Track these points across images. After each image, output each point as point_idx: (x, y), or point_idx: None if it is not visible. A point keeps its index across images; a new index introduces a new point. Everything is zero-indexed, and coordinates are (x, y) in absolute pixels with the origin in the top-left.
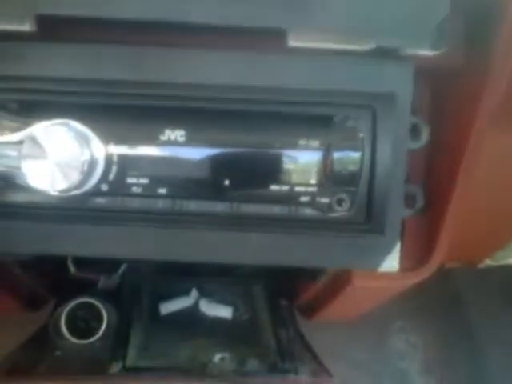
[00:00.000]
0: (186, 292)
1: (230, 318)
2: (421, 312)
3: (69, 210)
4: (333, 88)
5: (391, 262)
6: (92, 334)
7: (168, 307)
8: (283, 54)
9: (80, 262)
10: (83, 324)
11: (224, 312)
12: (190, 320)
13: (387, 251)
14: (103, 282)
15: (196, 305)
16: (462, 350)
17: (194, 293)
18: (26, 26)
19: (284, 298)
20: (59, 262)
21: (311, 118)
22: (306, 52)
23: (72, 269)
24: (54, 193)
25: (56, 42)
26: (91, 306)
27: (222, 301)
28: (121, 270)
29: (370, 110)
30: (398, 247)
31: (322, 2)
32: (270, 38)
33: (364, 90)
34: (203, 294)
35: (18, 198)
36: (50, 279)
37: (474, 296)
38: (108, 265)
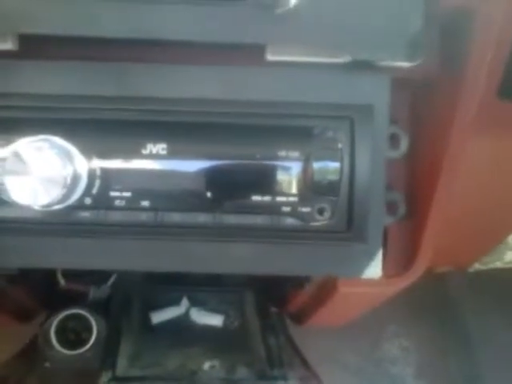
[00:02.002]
0: (176, 301)
1: (221, 325)
2: (413, 316)
3: (53, 224)
4: (311, 100)
5: (374, 269)
6: (82, 345)
7: (159, 316)
8: (261, 67)
9: (69, 273)
10: (73, 335)
11: (215, 320)
12: (181, 329)
13: (370, 258)
14: (93, 293)
15: (187, 313)
16: (455, 353)
17: (185, 302)
18: (9, 45)
19: (274, 305)
20: (48, 275)
21: (290, 129)
22: (284, 65)
23: (61, 281)
24: (37, 207)
25: (38, 59)
26: (81, 316)
27: (213, 309)
28: (110, 281)
29: (348, 121)
30: (380, 254)
31: (298, 16)
32: (248, 52)
33: (341, 101)
34: (194, 302)
35: (3, 212)
36: (40, 292)
37: (465, 299)
38: (97, 276)
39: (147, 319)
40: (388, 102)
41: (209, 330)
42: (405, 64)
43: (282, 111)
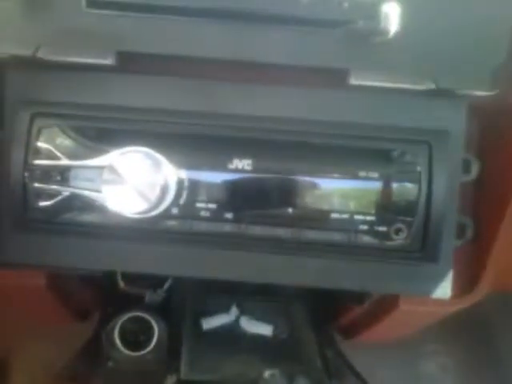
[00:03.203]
0: (225, 309)
1: (270, 335)
2: (451, 335)
3: (141, 231)
4: (391, 124)
5: (444, 290)
6: (141, 347)
7: (210, 322)
8: (345, 90)
9: (128, 276)
10: (132, 337)
11: (264, 329)
12: (232, 336)
13: (440, 278)
14: (150, 296)
15: (237, 321)
16: (493, 373)
17: (234, 310)
18: (108, 61)
19: (324, 318)
20: (109, 276)
21: (371, 151)
22: (366, 89)
23: (121, 283)
24: (130, 215)
25: (133, 74)
26: (141, 319)
27: (261, 318)
28: (166, 286)
29: (426, 145)
30: (450, 275)
31: (385, 45)
32: (331, 75)
33: (420, 126)
34: (242, 311)
35: (93, 218)
36: (100, 292)
37: (501, 321)
38: (153, 280)
39: (198, 325)
40: (464, 128)
41: (259, 338)
42: (483, 93)
43: (363, 133)
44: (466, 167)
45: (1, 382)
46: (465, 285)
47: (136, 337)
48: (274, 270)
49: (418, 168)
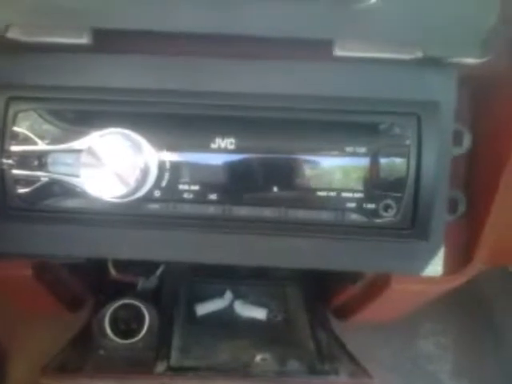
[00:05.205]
0: (220, 293)
1: (265, 319)
2: (448, 314)
3: (123, 216)
4: (378, 96)
5: (435, 267)
6: (132, 335)
7: (204, 308)
8: (329, 63)
9: (119, 264)
10: (123, 324)
11: (258, 313)
12: (226, 321)
13: (431, 256)
14: (142, 284)
15: (231, 306)
16: (493, 352)
17: (228, 294)
18: (83, 39)
19: (318, 299)
20: (99, 265)
21: (358, 125)
22: (352, 61)
23: (112, 271)
24: (110, 199)
25: (110, 53)
26: (132, 306)
27: (256, 302)
28: (158, 272)
29: (415, 117)
30: (441, 252)
31: (369, 12)
32: (315, 47)
33: (408, 98)
34: (237, 295)
35: (74, 204)
36: (91, 281)
37: (499, 298)
38: (146, 267)
39: (192, 311)
40: (454, 99)
41: (253, 323)
42: (474, 61)
43: (348, 107)
44: (458, 139)
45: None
46: (457, 262)
47: (127, 325)
48: (262, 252)
49: (407, 141)
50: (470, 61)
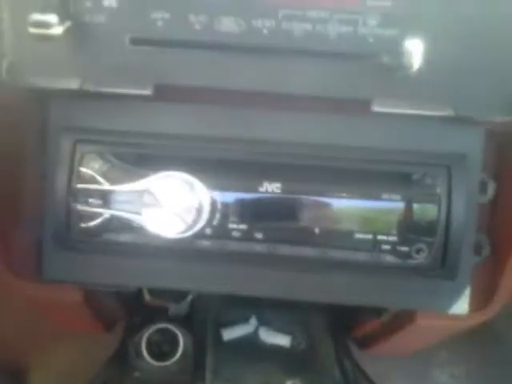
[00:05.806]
0: (245, 320)
1: (289, 346)
2: (463, 344)
3: (176, 251)
4: (412, 148)
5: (462, 305)
6: (166, 358)
7: (230, 333)
8: (367, 117)
9: (153, 289)
10: (157, 348)
11: (283, 340)
12: (252, 346)
13: (458, 295)
14: (173, 308)
15: (256, 332)
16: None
17: (253, 321)
18: (146, 91)
19: (340, 328)
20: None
21: (393, 174)
22: (388, 116)
23: (147, 296)
24: (168, 236)
25: (168, 102)
26: (167, 330)
27: (280, 329)
28: (189, 298)
29: (446, 168)
30: (468, 291)
31: (406, 74)
32: (355, 104)
33: (440, 150)
34: (262, 322)
35: (131, 238)
36: (127, 304)
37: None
38: (177, 293)
39: (219, 335)
40: (481, 152)
41: (278, 349)
42: (500, 119)
43: (385, 157)
44: (483, 188)
45: None
46: (481, 300)
47: (160, 347)
48: (300, 288)
49: (438, 190)
50: (497, 119)
